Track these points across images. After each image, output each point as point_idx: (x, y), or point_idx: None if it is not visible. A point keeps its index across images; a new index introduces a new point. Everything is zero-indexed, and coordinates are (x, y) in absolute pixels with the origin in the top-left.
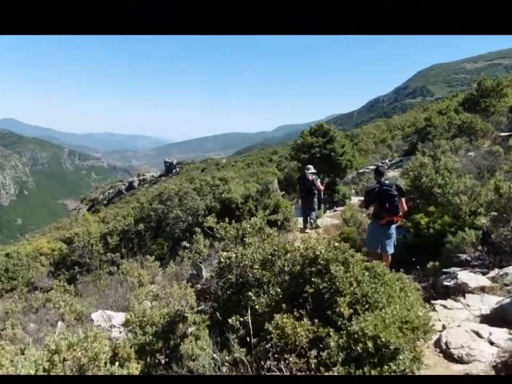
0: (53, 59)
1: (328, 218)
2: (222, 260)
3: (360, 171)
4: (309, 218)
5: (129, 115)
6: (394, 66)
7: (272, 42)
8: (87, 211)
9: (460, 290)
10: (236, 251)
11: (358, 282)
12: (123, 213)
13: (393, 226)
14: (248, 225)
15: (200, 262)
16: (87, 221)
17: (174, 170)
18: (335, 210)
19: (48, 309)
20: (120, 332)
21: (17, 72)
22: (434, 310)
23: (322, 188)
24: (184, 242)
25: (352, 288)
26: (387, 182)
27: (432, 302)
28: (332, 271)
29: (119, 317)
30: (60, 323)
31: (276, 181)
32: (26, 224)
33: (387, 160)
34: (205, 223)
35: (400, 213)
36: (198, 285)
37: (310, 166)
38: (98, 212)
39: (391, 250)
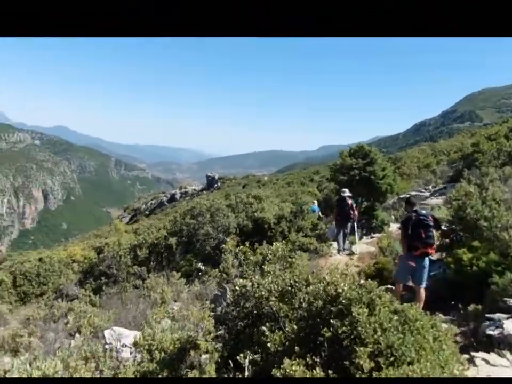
0: (103, 71)
1: (364, 245)
2: (237, 288)
3: (401, 196)
4: (342, 243)
5: (174, 128)
6: (441, 90)
7: (318, 65)
8: (130, 220)
9: (506, 343)
10: (253, 279)
11: (383, 329)
12: (159, 225)
13: (427, 258)
14: (269, 251)
15: (227, 283)
16: (118, 231)
17: (216, 185)
18: (372, 237)
19: (70, 320)
20: (131, 353)
21: (68, 82)
22: (474, 365)
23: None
24: (199, 264)
25: (375, 336)
26: (423, 211)
27: (472, 354)
28: (353, 314)
29: (132, 336)
30: (77, 335)
31: (316, 202)
32: (71, 229)
33: (430, 186)
34: (224, 246)
35: (435, 245)
36: (220, 308)
37: (346, 190)
38: (138, 221)
39: (425, 283)
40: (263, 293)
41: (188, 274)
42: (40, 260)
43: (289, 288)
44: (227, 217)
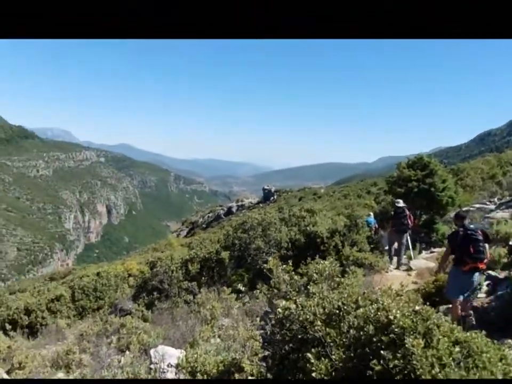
0: (164, 91)
1: (423, 260)
2: (279, 310)
3: (464, 209)
4: (398, 255)
5: (232, 142)
6: (507, 99)
7: (378, 75)
8: (187, 233)
9: None
10: (297, 300)
11: (442, 365)
12: (214, 238)
13: (477, 274)
14: (315, 271)
15: (278, 298)
16: (171, 246)
17: (272, 198)
18: (432, 252)
19: (121, 336)
20: (176, 373)
21: (131, 102)
22: None
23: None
24: (239, 285)
25: (433, 372)
26: (471, 226)
27: None
28: (407, 345)
29: (177, 355)
30: (127, 352)
31: (372, 214)
32: (132, 243)
33: (495, 199)
34: (266, 265)
35: (486, 260)
36: (268, 326)
37: (400, 200)
38: (195, 234)
39: (473, 300)
40: (307, 316)
41: (239, 290)
42: (97, 274)
43: (337, 311)
44: (279, 231)
